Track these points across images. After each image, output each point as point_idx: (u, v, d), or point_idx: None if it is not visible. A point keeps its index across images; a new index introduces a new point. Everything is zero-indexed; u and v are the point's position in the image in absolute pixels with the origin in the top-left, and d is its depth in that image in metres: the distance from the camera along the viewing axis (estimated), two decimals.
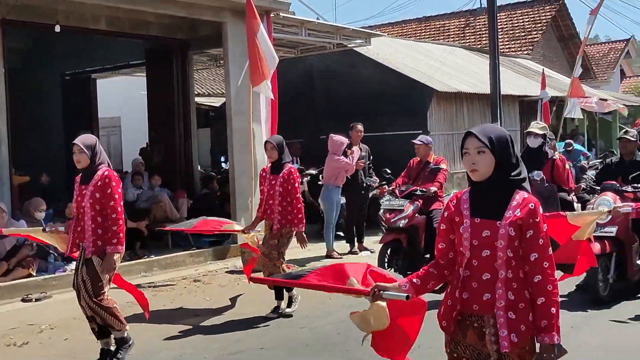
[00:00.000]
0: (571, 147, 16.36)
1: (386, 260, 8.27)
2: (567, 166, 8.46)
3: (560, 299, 3.00)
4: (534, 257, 2.95)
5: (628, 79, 38.07)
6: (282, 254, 7.20)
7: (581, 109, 16.89)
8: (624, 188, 7.42)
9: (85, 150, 5.41)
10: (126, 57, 14.51)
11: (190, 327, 6.88)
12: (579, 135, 19.83)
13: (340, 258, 10.26)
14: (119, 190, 5.45)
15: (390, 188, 8.83)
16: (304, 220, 7.20)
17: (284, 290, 7.26)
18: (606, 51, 33.55)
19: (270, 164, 7.35)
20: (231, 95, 10.79)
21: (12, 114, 9.44)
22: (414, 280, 3.17)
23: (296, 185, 7.17)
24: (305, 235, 7.22)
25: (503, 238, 2.95)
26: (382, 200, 8.96)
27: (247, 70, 10.30)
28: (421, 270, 3.21)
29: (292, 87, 15.05)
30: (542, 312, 2.94)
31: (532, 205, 2.98)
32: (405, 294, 3.11)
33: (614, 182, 7.51)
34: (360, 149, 10.84)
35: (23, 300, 8.10)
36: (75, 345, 6.34)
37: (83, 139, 5.49)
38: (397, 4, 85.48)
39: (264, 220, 7.48)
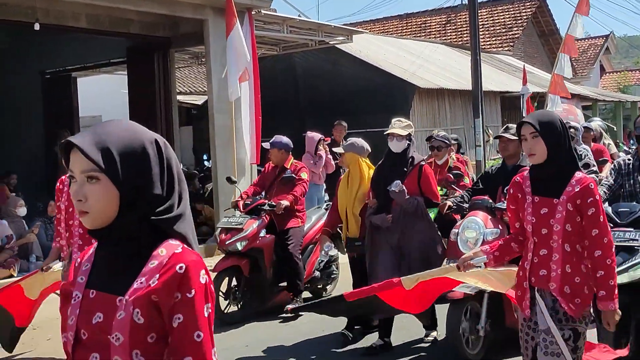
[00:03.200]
0: None
1: (222, 293, 6.69)
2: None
3: None
4: None
5: (607, 74, 38.41)
6: None
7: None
8: (498, 205, 5.35)
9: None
10: (107, 55, 14.39)
11: None
12: None
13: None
14: None
15: (235, 200, 7.18)
16: None
17: None
18: (586, 47, 33.75)
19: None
20: (213, 93, 10.76)
21: None
22: None
23: None
24: None
25: (120, 328, 1.65)
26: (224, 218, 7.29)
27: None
28: None
29: (276, 84, 15.05)
30: None
31: (181, 268, 1.66)
32: None
33: (485, 198, 5.53)
34: None
35: None
36: (58, 344, 6.27)
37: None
38: (379, 0, 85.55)
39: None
